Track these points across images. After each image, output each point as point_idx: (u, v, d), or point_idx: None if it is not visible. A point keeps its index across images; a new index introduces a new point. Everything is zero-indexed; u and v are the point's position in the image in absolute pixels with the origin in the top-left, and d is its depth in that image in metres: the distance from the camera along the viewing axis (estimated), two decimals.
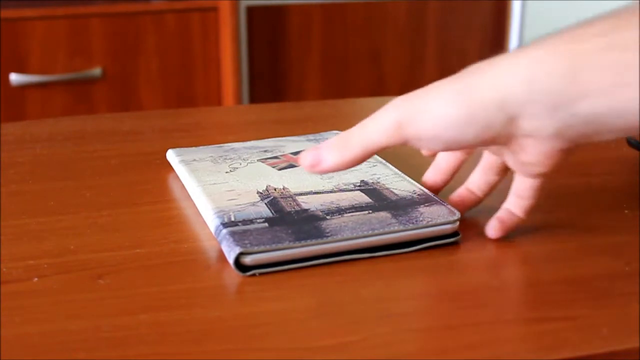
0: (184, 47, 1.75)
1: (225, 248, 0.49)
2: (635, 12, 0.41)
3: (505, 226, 0.52)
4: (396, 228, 0.50)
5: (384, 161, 0.63)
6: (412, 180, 0.59)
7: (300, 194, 0.56)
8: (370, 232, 0.50)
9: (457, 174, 0.58)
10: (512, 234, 0.54)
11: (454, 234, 0.52)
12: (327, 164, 0.49)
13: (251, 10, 1.95)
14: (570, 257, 0.51)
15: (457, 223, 0.52)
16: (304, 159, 0.50)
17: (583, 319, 0.43)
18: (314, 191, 0.57)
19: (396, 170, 0.61)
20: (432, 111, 0.46)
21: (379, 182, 0.58)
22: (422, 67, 2.06)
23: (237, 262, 0.48)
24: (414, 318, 0.44)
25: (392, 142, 0.47)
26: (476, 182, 0.56)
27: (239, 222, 0.51)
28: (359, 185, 0.58)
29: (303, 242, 0.49)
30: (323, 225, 0.51)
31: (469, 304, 0.45)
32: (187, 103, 1.77)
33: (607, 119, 0.42)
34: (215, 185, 0.58)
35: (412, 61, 2.06)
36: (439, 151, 0.48)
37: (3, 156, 0.70)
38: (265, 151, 0.67)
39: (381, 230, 0.50)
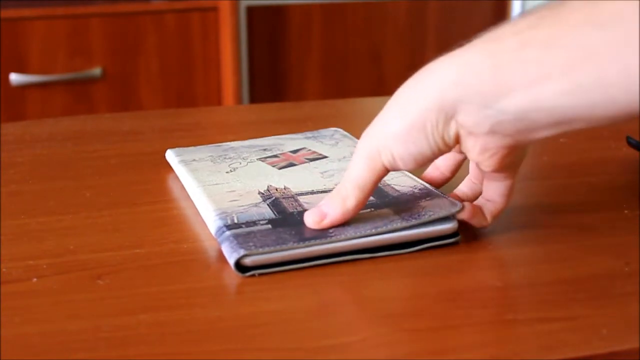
0: (184, 47, 1.75)
1: (226, 249, 0.49)
2: (552, 10, 0.43)
3: (471, 215, 0.53)
4: (399, 225, 0.50)
5: None
6: (412, 176, 0.59)
7: (302, 194, 0.56)
8: (373, 230, 0.50)
9: (459, 172, 0.58)
10: (512, 234, 0.54)
11: (454, 234, 0.52)
12: (331, 217, 0.50)
13: (251, 10, 1.94)
14: (570, 257, 0.51)
15: (456, 223, 0.52)
16: (308, 219, 0.51)
17: (583, 319, 0.43)
18: (315, 190, 0.57)
19: None
20: (386, 132, 0.48)
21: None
22: (422, 67, 2.06)
23: (237, 263, 0.48)
24: (414, 318, 0.44)
25: (377, 173, 0.49)
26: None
27: (242, 224, 0.51)
28: None
29: (307, 243, 0.48)
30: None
31: (469, 304, 0.45)
32: (187, 103, 1.77)
33: (535, 114, 0.44)
34: (216, 185, 0.58)
35: (412, 61, 2.06)
36: (414, 167, 0.49)
37: (3, 156, 0.70)
38: (265, 149, 0.66)
39: (384, 229, 0.50)
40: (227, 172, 0.61)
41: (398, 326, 0.43)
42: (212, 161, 0.64)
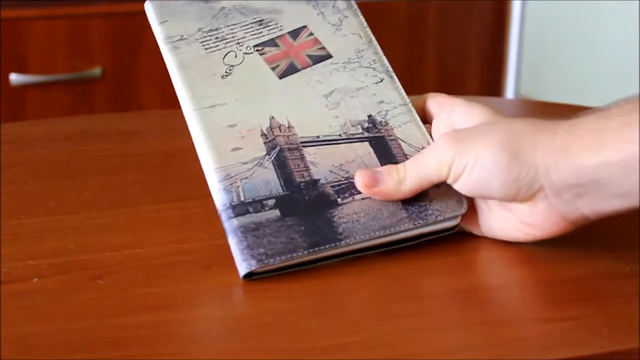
0: None
1: (236, 250, 0.47)
2: None
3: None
4: (405, 227, 0.49)
5: (390, 71, 0.58)
6: (418, 122, 0.55)
7: (307, 143, 0.52)
8: (381, 232, 0.49)
9: None
10: None
11: (454, 227, 0.52)
12: (382, 189, 0.50)
13: None
14: (570, 257, 0.51)
15: (459, 219, 0.51)
16: (358, 180, 0.51)
17: (583, 319, 0.43)
18: (320, 138, 0.53)
19: (402, 93, 0.56)
20: (482, 140, 0.49)
21: (387, 124, 0.54)
22: (422, 67, 2.06)
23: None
24: (414, 318, 0.44)
25: (441, 178, 0.50)
26: None
27: (248, 205, 0.49)
28: (367, 129, 0.54)
29: (317, 250, 0.47)
30: (335, 220, 0.49)
31: (469, 304, 0.45)
32: None
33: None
34: (213, 109, 0.53)
35: (412, 61, 2.06)
36: (467, 194, 0.49)
37: (3, 156, 0.70)
38: (260, 23, 0.58)
39: (392, 230, 0.49)
40: (222, 77, 0.55)
41: (398, 326, 0.43)
42: (202, 43, 0.56)
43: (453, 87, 2.09)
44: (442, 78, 2.09)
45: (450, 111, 0.53)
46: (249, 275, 0.47)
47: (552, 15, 2.03)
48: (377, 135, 0.54)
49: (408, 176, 0.50)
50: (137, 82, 1.74)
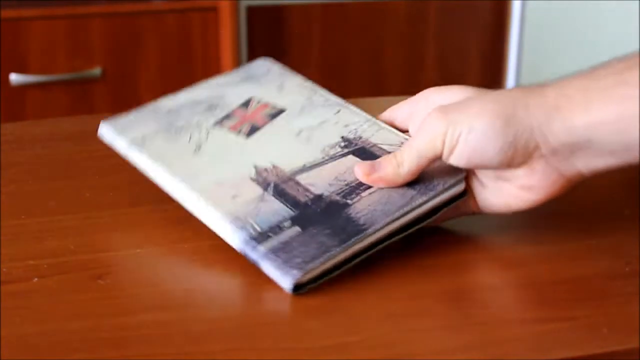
0: (184, 47, 1.75)
1: (272, 270, 0.46)
2: None
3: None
4: (419, 201, 0.50)
5: (342, 103, 0.60)
6: (387, 127, 0.56)
7: (297, 173, 0.53)
8: (401, 212, 0.49)
9: None
10: (513, 234, 0.54)
11: (463, 193, 0.52)
12: (381, 174, 0.51)
13: (251, 10, 1.94)
14: (570, 257, 0.51)
15: (464, 183, 0.51)
16: (358, 171, 0.51)
17: (583, 319, 0.43)
18: (307, 166, 0.54)
19: (363, 114, 0.58)
20: (469, 113, 0.48)
21: (360, 138, 0.55)
22: (422, 67, 2.06)
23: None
24: (414, 318, 0.44)
25: (437, 153, 0.49)
26: None
27: (267, 232, 0.48)
28: (345, 146, 0.55)
29: (349, 243, 0.47)
30: (353, 215, 0.49)
31: (469, 304, 0.45)
32: None
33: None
34: (197, 177, 0.54)
35: (412, 61, 2.06)
36: (463, 166, 0.49)
37: (3, 156, 0.70)
38: (210, 107, 0.61)
39: (409, 207, 0.49)
40: (194, 152, 0.56)
41: (398, 326, 0.43)
42: (165, 135, 0.58)
43: None
44: (442, 78, 2.09)
45: (427, 103, 0.53)
46: (297, 290, 0.46)
47: (552, 15, 2.03)
48: (357, 147, 0.55)
49: (405, 158, 0.50)
50: (137, 82, 1.74)
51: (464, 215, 0.53)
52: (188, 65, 1.76)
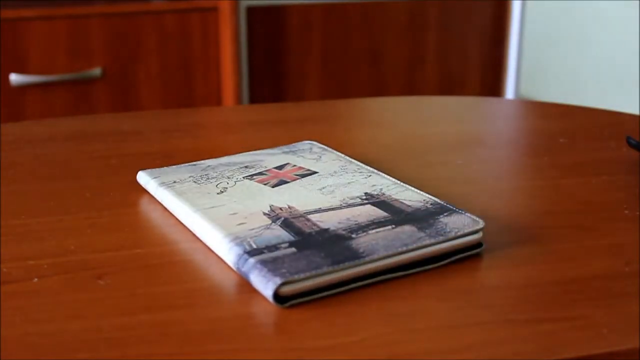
0: (184, 47, 1.75)
1: (258, 279, 0.46)
2: None
3: None
4: (427, 242, 0.49)
5: (376, 171, 0.61)
6: (414, 189, 0.57)
7: (310, 212, 0.53)
8: (404, 248, 0.48)
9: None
10: (513, 234, 0.54)
11: (479, 244, 0.51)
12: None
13: (251, 10, 1.95)
14: (570, 257, 0.51)
15: (482, 233, 0.51)
16: None
17: (583, 319, 0.43)
18: (322, 208, 0.54)
19: (393, 179, 0.59)
20: None
21: (384, 194, 0.56)
22: (422, 67, 2.06)
23: (274, 292, 0.45)
24: (414, 318, 0.44)
25: None
26: None
27: (263, 248, 0.48)
28: (366, 199, 0.55)
29: (341, 266, 0.46)
30: (354, 245, 0.48)
31: (469, 304, 0.45)
32: (187, 103, 1.77)
33: None
34: (213, 209, 0.54)
35: (412, 61, 2.06)
36: None
37: (3, 156, 0.70)
38: (246, 167, 0.63)
39: (414, 246, 0.49)
40: (218, 194, 0.57)
41: (398, 326, 0.43)
42: (195, 182, 0.60)
43: (453, 87, 2.09)
44: (442, 78, 2.09)
45: None
46: (281, 301, 0.45)
47: (552, 15, 2.03)
48: (377, 200, 0.55)
49: None
50: (137, 82, 1.74)
51: None
52: (188, 66, 1.77)
